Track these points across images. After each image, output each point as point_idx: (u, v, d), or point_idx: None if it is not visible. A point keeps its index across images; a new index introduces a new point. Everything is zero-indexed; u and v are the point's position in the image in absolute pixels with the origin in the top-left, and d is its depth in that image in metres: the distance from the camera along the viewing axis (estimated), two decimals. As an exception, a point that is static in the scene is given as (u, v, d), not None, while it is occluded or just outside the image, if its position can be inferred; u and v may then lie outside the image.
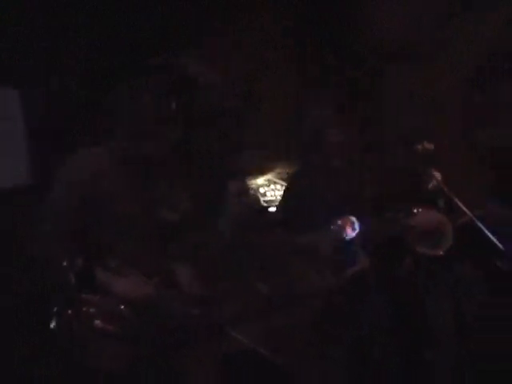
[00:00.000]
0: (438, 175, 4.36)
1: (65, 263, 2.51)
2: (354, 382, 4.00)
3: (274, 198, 4.83)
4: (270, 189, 4.88)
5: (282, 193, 4.51)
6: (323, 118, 4.19)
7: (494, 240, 3.62)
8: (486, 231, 3.62)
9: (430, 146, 4.43)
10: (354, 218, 4.10)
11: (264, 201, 4.77)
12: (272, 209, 4.62)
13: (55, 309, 2.59)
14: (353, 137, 4.22)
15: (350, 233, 3.99)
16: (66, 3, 4.37)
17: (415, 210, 4.41)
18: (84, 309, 2.56)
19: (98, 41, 4.48)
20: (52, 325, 2.57)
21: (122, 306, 2.65)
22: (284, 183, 4.76)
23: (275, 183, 4.87)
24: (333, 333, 3.94)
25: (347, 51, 5.56)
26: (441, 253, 4.33)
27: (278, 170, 4.87)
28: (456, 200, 3.80)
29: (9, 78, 4.43)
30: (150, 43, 4.53)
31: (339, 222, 4.04)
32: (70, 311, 2.52)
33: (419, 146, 4.41)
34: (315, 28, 5.58)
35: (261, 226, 3.97)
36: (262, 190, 4.80)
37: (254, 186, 4.18)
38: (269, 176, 4.53)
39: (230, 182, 3.82)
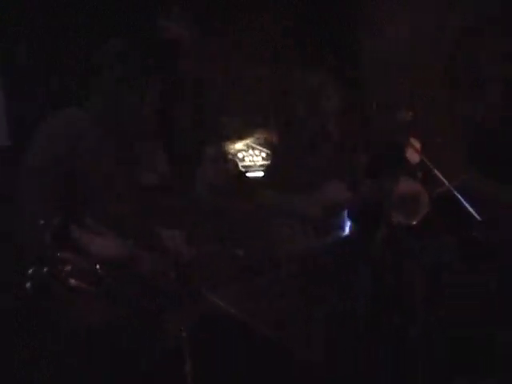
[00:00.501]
0: (417, 144, 4.37)
1: (41, 222, 2.49)
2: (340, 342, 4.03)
3: (252, 164, 4.82)
4: (248, 154, 4.87)
5: (260, 158, 4.51)
6: (318, 84, 4.17)
7: (472, 210, 3.64)
8: (464, 201, 3.64)
9: (408, 113, 4.43)
10: (342, 183, 4.11)
11: (242, 166, 4.76)
12: (250, 174, 4.62)
13: (31, 269, 2.58)
14: (346, 102, 4.21)
15: (340, 196, 4.01)
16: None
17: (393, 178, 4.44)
18: (59, 267, 2.56)
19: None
20: (27, 285, 2.56)
21: (98, 266, 2.65)
22: (262, 149, 4.76)
23: (254, 148, 4.86)
24: (318, 295, 3.97)
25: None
26: (415, 222, 4.36)
27: (256, 136, 4.86)
28: (434, 170, 3.80)
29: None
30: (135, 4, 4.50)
31: (330, 185, 4.06)
32: (45, 269, 2.51)
33: (398, 114, 4.42)
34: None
35: (239, 190, 3.97)
36: (240, 155, 4.79)
37: (232, 150, 4.16)
38: (247, 141, 4.51)
39: (208, 146, 3.80)
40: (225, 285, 3.52)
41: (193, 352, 2.64)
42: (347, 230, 4.08)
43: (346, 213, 4.07)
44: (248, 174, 4.60)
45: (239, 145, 4.83)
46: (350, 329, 4.05)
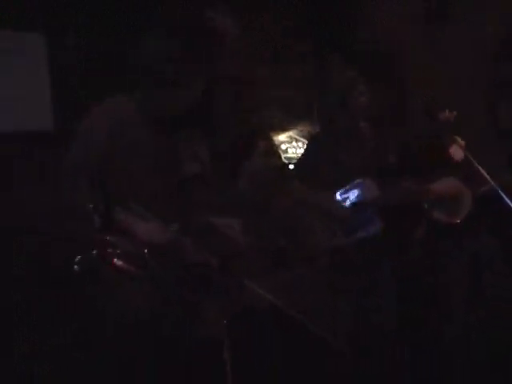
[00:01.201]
0: (462, 143, 4.33)
1: (90, 206, 2.50)
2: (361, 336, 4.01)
3: (295, 155, 4.81)
4: (291, 146, 4.87)
5: (303, 150, 4.48)
6: (351, 79, 4.15)
7: (515, 209, 3.58)
8: (508, 200, 3.58)
9: (452, 114, 4.39)
10: (371, 182, 4.07)
11: (285, 157, 4.75)
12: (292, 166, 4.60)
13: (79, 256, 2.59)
14: (379, 100, 4.18)
15: (366, 196, 3.98)
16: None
17: (436, 176, 4.40)
18: (108, 250, 2.57)
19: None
20: (75, 268, 2.57)
21: (145, 250, 2.66)
22: (305, 140, 4.73)
23: (297, 140, 4.85)
24: (342, 288, 3.95)
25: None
26: (457, 220, 4.31)
27: (300, 128, 4.84)
28: (478, 168, 3.75)
29: (36, 24, 4.41)
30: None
31: (356, 185, 4.03)
32: (94, 252, 2.52)
33: (442, 114, 4.38)
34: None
35: (280, 182, 3.96)
36: (283, 147, 4.78)
37: (276, 142, 4.15)
38: (291, 133, 4.50)
39: (255, 139, 3.78)
40: (265, 275, 3.51)
41: (232, 341, 2.63)
42: (375, 229, 4.04)
43: (373, 211, 4.03)
44: (291, 166, 4.58)
45: (283, 136, 4.82)
46: (379, 326, 4.03)
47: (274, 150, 3.78)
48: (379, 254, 4.05)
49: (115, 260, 2.57)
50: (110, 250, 2.57)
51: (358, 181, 4.02)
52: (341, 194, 3.90)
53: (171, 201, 2.93)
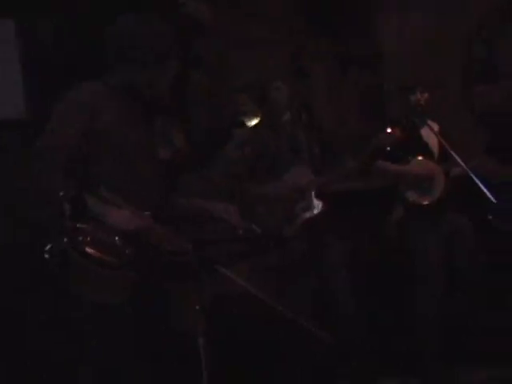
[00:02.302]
0: (434, 125, 4.33)
1: (61, 193, 2.45)
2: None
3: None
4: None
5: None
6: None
7: (487, 192, 3.58)
8: (479, 183, 3.58)
9: (423, 96, 4.39)
10: (305, 168, 4.10)
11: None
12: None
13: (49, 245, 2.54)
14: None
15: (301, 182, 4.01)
16: None
17: (408, 158, 4.39)
18: (79, 238, 2.53)
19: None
20: (46, 255, 2.53)
21: (116, 237, 2.62)
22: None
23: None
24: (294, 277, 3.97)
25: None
26: (430, 202, 4.32)
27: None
28: (450, 150, 3.75)
29: (7, 11, 4.34)
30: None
31: (290, 173, 4.05)
32: (65, 239, 2.49)
33: (413, 96, 4.37)
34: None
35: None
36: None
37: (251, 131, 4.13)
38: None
39: (231, 129, 3.77)
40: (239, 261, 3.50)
41: (206, 327, 2.61)
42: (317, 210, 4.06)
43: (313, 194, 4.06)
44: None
45: (254, 122, 4.79)
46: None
47: (250, 142, 3.76)
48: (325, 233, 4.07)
49: (86, 248, 2.53)
50: (80, 238, 2.53)
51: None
52: None
53: (145, 187, 2.89)
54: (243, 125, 3.85)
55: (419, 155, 4.39)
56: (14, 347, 4.02)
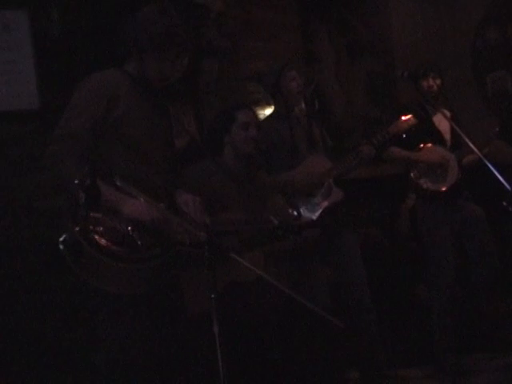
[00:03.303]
0: (446, 112, 4.29)
1: (76, 181, 2.43)
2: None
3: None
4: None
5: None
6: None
7: (501, 179, 3.54)
8: (493, 169, 3.54)
9: (435, 82, 4.34)
10: (322, 156, 4.05)
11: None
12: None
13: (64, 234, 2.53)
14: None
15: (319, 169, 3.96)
16: None
17: (421, 145, 4.36)
18: (91, 227, 2.50)
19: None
20: (60, 246, 2.52)
21: (129, 227, 2.61)
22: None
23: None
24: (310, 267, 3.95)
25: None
26: (444, 188, 4.29)
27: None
28: (464, 137, 3.71)
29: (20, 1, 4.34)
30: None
31: (308, 160, 4.02)
32: (77, 228, 2.46)
33: (426, 81, 4.33)
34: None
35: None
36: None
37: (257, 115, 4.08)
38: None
39: (238, 112, 3.73)
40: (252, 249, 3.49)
41: (221, 315, 2.59)
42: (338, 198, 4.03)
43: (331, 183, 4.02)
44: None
45: (268, 111, 4.76)
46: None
47: (254, 124, 3.72)
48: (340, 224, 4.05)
49: (97, 237, 2.49)
50: (91, 227, 2.51)
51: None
52: None
53: (158, 176, 2.88)
54: (246, 107, 3.79)
55: (431, 142, 4.36)
56: (25, 335, 4.04)
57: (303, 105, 4.17)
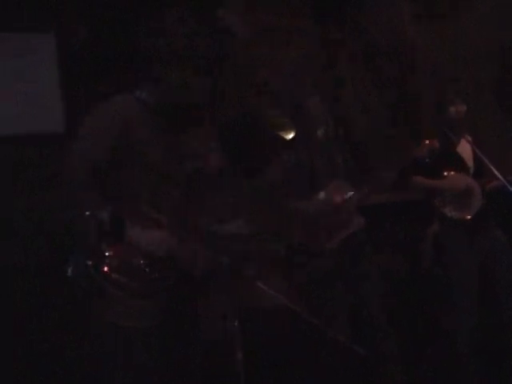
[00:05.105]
0: (469, 138, 4.25)
1: (87, 213, 2.41)
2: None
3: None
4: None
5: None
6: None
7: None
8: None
9: (462, 108, 4.31)
10: (343, 183, 4.02)
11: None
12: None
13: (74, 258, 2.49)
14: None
15: (339, 197, 3.92)
16: None
17: (445, 173, 4.32)
18: (105, 261, 2.44)
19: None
20: (69, 273, 2.47)
21: (142, 261, 2.54)
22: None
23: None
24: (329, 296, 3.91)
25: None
26: (469, 216, 4.24)
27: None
28: (487, 163, 3.67)
29: (44, 25, 4.37)
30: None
31: (328, 188, 3.98)
32: (89, 263, 2.41)
33: (452, 107, 4.30)
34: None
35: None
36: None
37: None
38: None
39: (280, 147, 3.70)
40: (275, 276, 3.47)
41: (244, 341, 2.57)
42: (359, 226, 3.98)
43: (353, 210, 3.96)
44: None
45: (291, 135, 4.74)
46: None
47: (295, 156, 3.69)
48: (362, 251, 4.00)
49: (110, 272, 2.45)
50: (106, 262, 2.45)
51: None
52: None
53: (175, 202, 2.85)
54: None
55: (455, 169, 4.32)
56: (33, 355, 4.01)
57: (324, 129, 4.15)
